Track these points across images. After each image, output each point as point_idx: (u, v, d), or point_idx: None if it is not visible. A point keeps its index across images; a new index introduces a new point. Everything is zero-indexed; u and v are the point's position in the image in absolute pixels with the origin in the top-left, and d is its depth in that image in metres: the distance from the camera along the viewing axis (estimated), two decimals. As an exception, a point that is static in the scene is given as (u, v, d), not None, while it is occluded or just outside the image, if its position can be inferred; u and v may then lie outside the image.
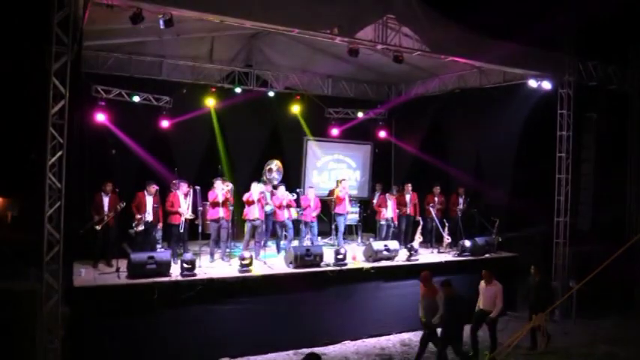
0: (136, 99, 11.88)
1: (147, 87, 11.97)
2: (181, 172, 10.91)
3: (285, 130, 14.17)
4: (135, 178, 11.14)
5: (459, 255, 11.47)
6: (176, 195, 10.24)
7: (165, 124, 12.13)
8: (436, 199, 12.67)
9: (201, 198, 10.37)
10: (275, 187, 11.85)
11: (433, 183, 12.94)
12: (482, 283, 8.96)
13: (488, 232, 11.90)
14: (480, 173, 13.20)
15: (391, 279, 10.23)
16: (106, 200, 9.84)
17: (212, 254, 10.46)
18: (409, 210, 12.68)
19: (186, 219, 10.19)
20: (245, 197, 10.75)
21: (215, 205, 10.38)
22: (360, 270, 10.05)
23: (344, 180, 12.84)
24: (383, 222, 12.38)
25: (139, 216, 9.82)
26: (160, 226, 10.44)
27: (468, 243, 11.46)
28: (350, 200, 12.82)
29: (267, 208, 11.64)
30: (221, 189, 10.46)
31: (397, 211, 12.46)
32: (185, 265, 8.75)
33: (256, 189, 10.85)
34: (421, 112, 14.30)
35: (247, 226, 10.84)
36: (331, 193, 13.16)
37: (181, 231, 10.21)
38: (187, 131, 12.38)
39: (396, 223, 12.42)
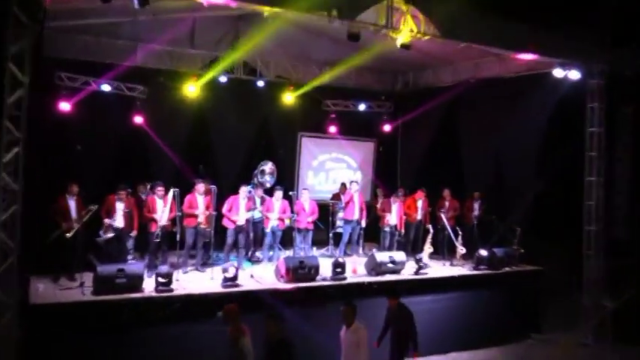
0: (106, 88, 11.81)
1: (119, 75, 11.86)
2: (157, 172, 10.84)
3: (277, 124, 14.15)
4: (104, 179, 11.05)
5: (474, 268, 11.43)
6: (153, 199, 10.16)
7: (139, 117, 12.06)
8: (447, 204, 12.65)
9: (179, 203, 10.28)
10: (270, 192, 11.80)
11: (444, 186, 12.93)
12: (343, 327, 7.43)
13: (508, 242, 11.84)
14: (498, 175, 13.16)
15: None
16: (72, 204, 9.69)
17: (185, 264, 10.45)
18: (420, 216, 12.62)
19: (163, 226, 10.11)
20: (225, 209, 10.79)
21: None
22: (361, 285, 10.01)
23: (353, 182, 12.84)
24: (387, 229, 12.36)
25: (107, 221, 9.74)
26: (133, 233, 10.35)
27: (484, 254, 11.40)
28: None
29: (256, 214, 11.57)
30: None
31: (404, 217, 12.41)
32: (160, 280, 8.70)
33: (243, 193, 10.97)
34: (432, 104, 14.25)
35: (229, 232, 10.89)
36: (335, 196, 13.12)
37: (157, 240, 10.11)
38: (164, 125, 12.32)
39: (402, 230, 12.37)
